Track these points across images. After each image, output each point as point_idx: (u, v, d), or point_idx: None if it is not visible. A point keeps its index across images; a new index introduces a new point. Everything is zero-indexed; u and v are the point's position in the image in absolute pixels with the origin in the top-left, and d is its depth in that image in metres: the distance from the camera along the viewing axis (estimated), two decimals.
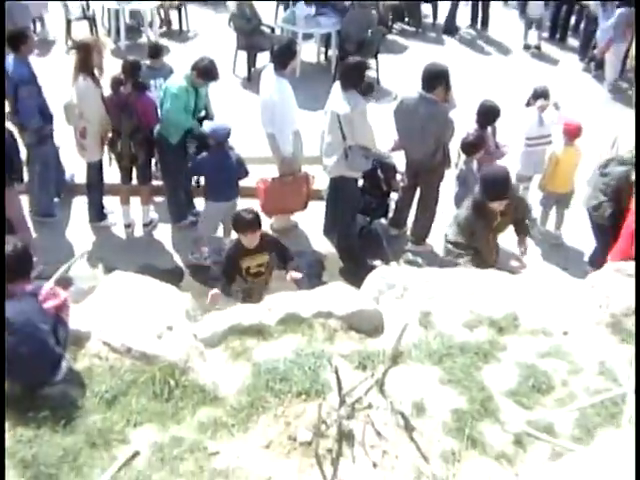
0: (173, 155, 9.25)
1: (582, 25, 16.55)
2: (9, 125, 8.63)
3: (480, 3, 17.16)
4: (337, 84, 8.80)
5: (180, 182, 9.60)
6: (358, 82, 8.75)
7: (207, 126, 8.98)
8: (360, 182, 9.39)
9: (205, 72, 8.97)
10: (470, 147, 9.11)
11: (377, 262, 8.90)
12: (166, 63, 10.25)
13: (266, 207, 9.33)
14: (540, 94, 9.95)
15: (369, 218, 9.99)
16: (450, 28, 17.00)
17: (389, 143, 9.49)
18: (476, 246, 7.85)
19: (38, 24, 15.40)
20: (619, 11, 13.81)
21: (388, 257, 9.35)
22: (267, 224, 9.46)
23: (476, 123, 9.35)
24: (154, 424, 5.07)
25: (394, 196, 9.93)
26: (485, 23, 17.25)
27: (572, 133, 9.50)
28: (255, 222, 7.61)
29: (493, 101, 9.47)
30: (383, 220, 10.15)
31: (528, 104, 10.13)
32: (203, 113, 9.44)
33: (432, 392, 5.42)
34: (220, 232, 9.35)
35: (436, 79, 8.67)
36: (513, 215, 8.04)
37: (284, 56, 9.13)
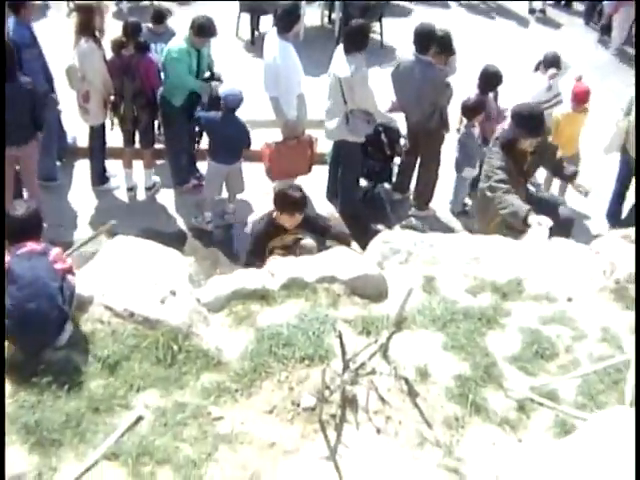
0: (177, 118, 9.21)
1: None
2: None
3: None
4: (340, 47, 8.74)
5: (184, 145, 9.56)
6: (361, 46, 8.68)
7: (220, 90, 8.92)
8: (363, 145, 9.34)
9: (201, 29, 8.88)
10: (470, 111, 9.07)
11: (380, 227, 8.88)
12: (169, 28, 10.18)
13: (271, 171, 9.29)
14: (551, 62, 9.81)
15: (372, 182, 9.95)
16: None
17: (387, 104, 9.42)
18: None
19: None
20: None
21: (391, 222, 9.33)
22: (269, 188, 9.44)
23: (477, 88, 9.29)
24: (157, 389, 5.06)
25: (398, 161, 9.88)
26: None
27: (580, 97, 9.42)
28: (302, 202, 7.14)
29: (495, 66, 9.41)
30: (387, 185, 10.10)
31: (537, 69, 10.01)
32: (208, 74, 9.36)
33: (436, 358, 5.41)
34: (224, 194, 9.30)
35: (427, 39, 8.61)
36: (544, 156, 7.92)
37: (288, 19, 9.05)
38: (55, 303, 5.12)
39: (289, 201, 7.04)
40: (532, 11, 16.37)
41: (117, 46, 8.86)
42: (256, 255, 7.15)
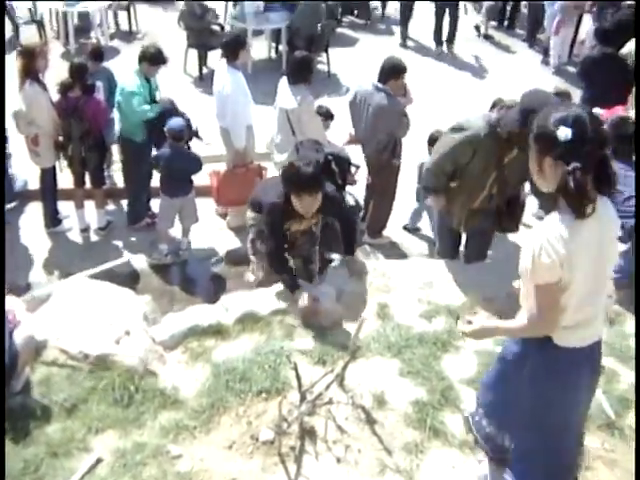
0: (140, 154, 9.17)
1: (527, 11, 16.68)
2: None
3: None
4: (284, 79, 8.78)
5: (146, 183, 9.52)
6: (305, 76, 8.72)
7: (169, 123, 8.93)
8: None
9: (155, 57, 8.88)
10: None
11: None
12: (106, 67, 10.14)
13: (219, 198, 9.30)
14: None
15: None
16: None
17: (344, 136, 9.45)
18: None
19: None
20: None
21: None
22: (223, 223, 9.46)
23: None
24: (115, 430, 5.06)
25: (352, 189, 9.89)
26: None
27: None
28: (317, 180, 6.07)
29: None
30: None
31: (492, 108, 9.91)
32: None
33: (392, 384, 5.45)
34: (178, 232, 9.29)
35: (389, 71, 8.64)
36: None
37: (233, 46, 9.07)
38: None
39: (294, 179, 6.06)
40: (477, 28, 16.68)
41: (63, 88, 8.82)
42: (273, 239, 6.35)
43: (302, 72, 8.65)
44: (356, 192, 9.16)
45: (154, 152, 8.93)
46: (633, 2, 12.14)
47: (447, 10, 15.13)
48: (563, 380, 3.94)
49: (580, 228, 3.60)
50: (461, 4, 15.77)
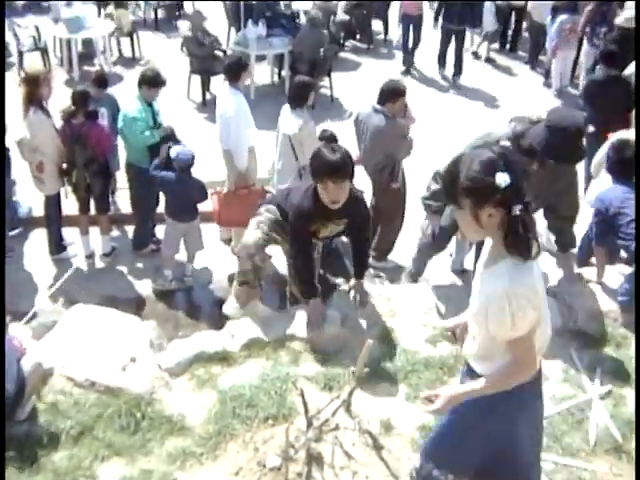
0: (145, 179, 9.20)
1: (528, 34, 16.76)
2: None
3: None
4: (286, 106, 8.82)
5: (153, 207, 9.54)
6: (306, 101, 8.76)
7: (172, 151, 8.94)
8: None
9: (154, 80, 8.90)
10: None
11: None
12: (109, 93, 10.17)
13: (220, 218, 9.30)
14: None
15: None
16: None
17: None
18: None
19: None
20: (561, 18, 13.98)
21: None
22: (227, 249, 9.46)
23: None
24: (122, 458, 5.05)
25: None
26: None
27: None
28: (345, 165, 5.72)
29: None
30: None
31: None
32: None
33: (399, 409, 5.45)
34: (182, 257, 9.30)
35: (388, 94, 8.66)
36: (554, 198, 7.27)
37: (235, 68, 9.11)
38: (8, 380, 5.10)
39: (321, 163, 5.76)
40: (476, 54, 16.76)
41: (67, 115, 8.85)
42: (298, 236, 6.18)
43: (302, 96, 8.70)
44: None
45: (156, 172, 8.92)
46: (624, 21, 12.32)
47: (454, 37, 15.08)
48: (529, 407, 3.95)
49: (531, 266, 3.50)
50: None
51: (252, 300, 6.77)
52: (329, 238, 6.54)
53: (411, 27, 15.66)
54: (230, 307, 6.94)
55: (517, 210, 3.36)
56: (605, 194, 7.01)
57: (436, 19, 15.30)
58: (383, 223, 9.25)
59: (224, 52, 14.82)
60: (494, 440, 3.99)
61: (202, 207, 9.08)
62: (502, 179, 3.33)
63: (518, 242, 3.41)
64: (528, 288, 3.47)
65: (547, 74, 15.28)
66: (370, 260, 9.21)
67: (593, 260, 7.57)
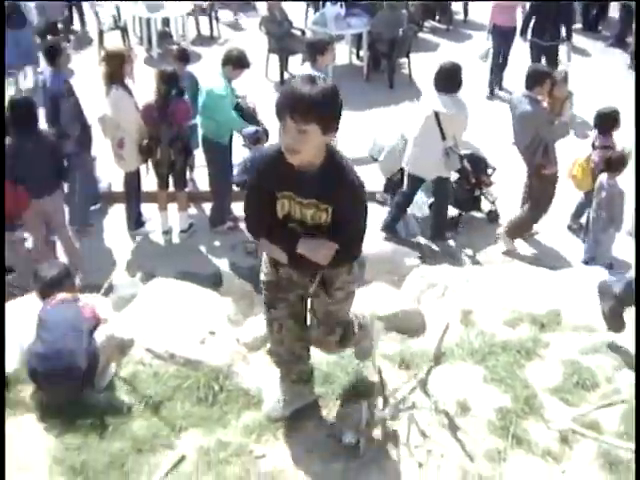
0: (224, 156, 9.27)
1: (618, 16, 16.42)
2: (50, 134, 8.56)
3: None
4: (431, 89, 8.88)
5: (230, 184, 9.61)
6: (457, 85, 8.78)
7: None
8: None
9: (240, 61, 8.96)
10: (619, 164, 8.45)
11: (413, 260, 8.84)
12: (189, 71, 10.24)
13: None
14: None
15: (460, 211, 9.98)
16: None
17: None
18: None
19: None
20: None
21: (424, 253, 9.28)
22: None
23: (600, 134, 9.08)
24: (199, 429, 5.10)
25: (491, 190, 9.88)
26: None
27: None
28: (318, 102, 4.04)
29: (609, 107, 9.12)
30: (475, 213, 10.08)
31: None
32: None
33: (476, 391, 5.40)
34: None
35: (535, 79, 8.72)
36: None
37: (313, 49, 9.14)
38: (78, 353, 5.20)
39: (283, 92, 4.31)
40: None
41: (162, 96, 8.83)
42: (249, 207, 4.51)
43: (453, 81, 8.75)
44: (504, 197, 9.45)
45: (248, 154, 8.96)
46: None
47: (545, 56, 13.12)
48: None
49: None
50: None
51: None
52: (307, 229, 4.35)
53: (502, 41, 13.53)
54: None
55: None
56: None
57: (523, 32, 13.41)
58: (531, 205, 9.23)
59: (302, 31, 14.83)
60: None
61: None
62: None
63: None
64: None
65: (633, 56, 14.82)
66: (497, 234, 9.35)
67: None
